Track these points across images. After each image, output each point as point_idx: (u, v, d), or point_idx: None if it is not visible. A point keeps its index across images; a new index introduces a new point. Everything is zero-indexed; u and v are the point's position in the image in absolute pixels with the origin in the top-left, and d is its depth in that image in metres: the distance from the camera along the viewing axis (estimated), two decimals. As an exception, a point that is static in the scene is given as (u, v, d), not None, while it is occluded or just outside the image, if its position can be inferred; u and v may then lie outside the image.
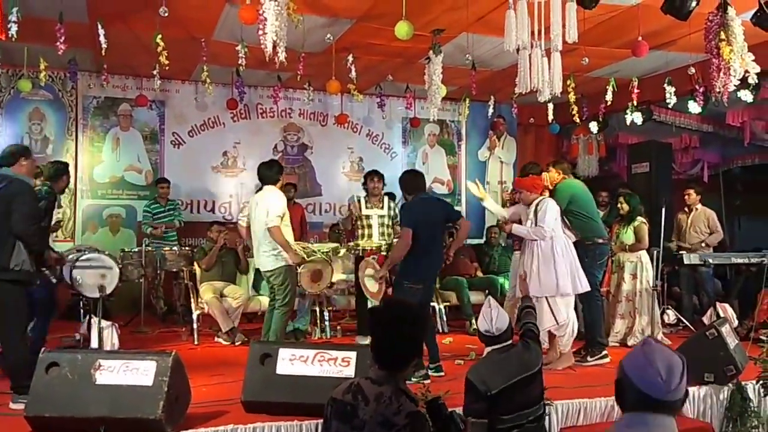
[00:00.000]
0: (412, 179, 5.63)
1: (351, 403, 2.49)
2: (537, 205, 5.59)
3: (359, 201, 6.85)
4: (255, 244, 5.91)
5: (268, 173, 5.93)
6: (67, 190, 8.03)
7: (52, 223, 7.15)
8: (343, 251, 7.04)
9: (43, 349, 4.10)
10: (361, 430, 2.45)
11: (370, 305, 6.33)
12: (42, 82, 7.72)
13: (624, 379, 1.98)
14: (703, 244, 7.79)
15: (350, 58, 7.49)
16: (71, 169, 8.64)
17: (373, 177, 6.84)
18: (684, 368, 1.93)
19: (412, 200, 5.48)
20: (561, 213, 5.74)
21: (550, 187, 5.93)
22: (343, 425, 2.49)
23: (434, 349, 5.33)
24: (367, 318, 2.81)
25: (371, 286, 5.75)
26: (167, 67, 6.59)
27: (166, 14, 5.77)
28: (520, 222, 5.85)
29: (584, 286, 5.61)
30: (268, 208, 5.67)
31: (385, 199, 6.90)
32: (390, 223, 6.83)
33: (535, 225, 5.54)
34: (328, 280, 6.37)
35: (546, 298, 5.47)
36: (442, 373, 5.21)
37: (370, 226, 6.73)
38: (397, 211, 6.93)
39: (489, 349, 3.54)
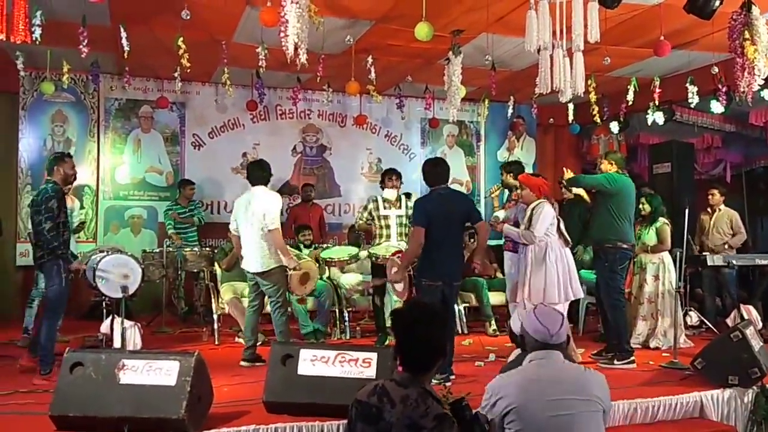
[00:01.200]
0: (431, 168, 5.40)
1: (376, 405, 2.48)
2: (533, 208, 5.50)
3: (376, 201, 6.83)
4: (246, 247, 5.79)
5: (259, 173, 5.85)
6: (88, 190, 8.16)
7: (76, 223, 7.27)
8: (363, 255, 7.02)
9: (67, 348, 4.15)
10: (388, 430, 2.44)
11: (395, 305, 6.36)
12: (65, 85, 7.82)
13: (526, 335, 2.99)
14: (726, 246, 7.72)
15: (369, 59, 7.50)
16: (93, 170, 8.91)
17: (391, 175, 6.80)
18: (562, 321, 2.97)
19: (425, 195, 5.37)
20: (597, 205, 5.74)
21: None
22: (369, 427, 2.48)
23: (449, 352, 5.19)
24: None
25: (397, 286, 5.70)
26: (188, 70, 6.64)
27: (188, 17, 5.81)
28: (517, 224, 5.72)
29: (576, 294, 5.55)
30: (266, 209, 5.61)
31: (402, 198, 6.86)
32: (408, 223, 6.80)
33: (527, 228, 5.46)
34: (314, 282, 6.40)
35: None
36: (453, 376, 5.12)
37: (388, 227, 6.68)
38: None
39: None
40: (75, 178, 5.81)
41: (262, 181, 5.83)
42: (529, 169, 10.81)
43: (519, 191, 5.79)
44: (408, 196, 7.23)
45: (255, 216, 5.66)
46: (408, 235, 6.60)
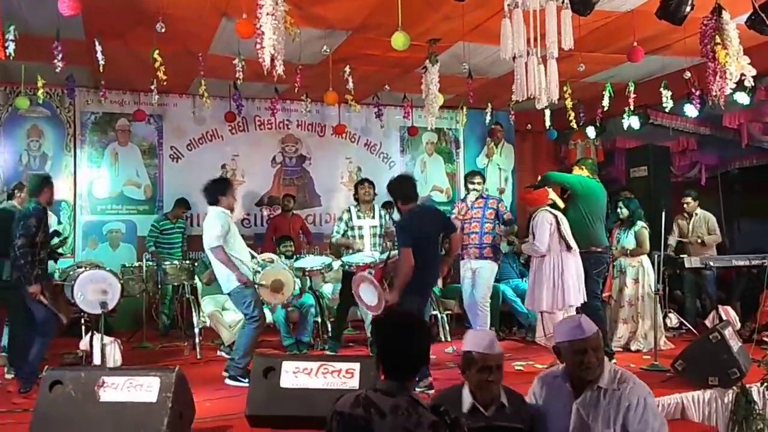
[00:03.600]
0: (397, 187, 5.39)
1: (363, 417, 2.42)
2: (531, 220, 5.82)
3: (350, 212, 6.82)
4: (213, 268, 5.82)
5: (206, 196, 5.77)
6: (66, 206, 8.10)
7: (58, 239, 7.20)
8: (336, 266, 7.01)
9: (46, 367, 4.10)
10: None
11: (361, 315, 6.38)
12: (40, 99, 7.73)
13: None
14: (700, 243, 7.85)
15: (347, 69, 7.51)
16: (70, 185, 8.81)
17: (363, 183, 6.84)
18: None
19: (406, 216, 5.33)
20: (569, 211, 5.89)
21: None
22: None
23: None
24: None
25: (369, 300, 5.54)
26: (165, 82, 6.61)
27: (163, 30, 5.78)
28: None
29: (569, 301, 5.68)
30: (209, 229, 5.58)
31: (376, 207, 6.88)
32: (381, 233, 6.82)
33: (533, 239, 5.77)
34: (291, 288, 6.22)
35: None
36: (430, 378, 5.19)
37: (362, 237, 6.70)
38: (388, 220, 6.92)
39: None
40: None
41: (212, 202, 5.72)
42: (508, 176, 10.95)
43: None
44: (389, 205, 7.23)
45: (204, 237, 5.65)
46: (382, 245, 6.73)
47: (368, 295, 5.51)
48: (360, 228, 6.72)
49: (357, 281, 5.63)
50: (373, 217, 6.78)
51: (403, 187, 5.39)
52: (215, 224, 5.56)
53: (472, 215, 6.51)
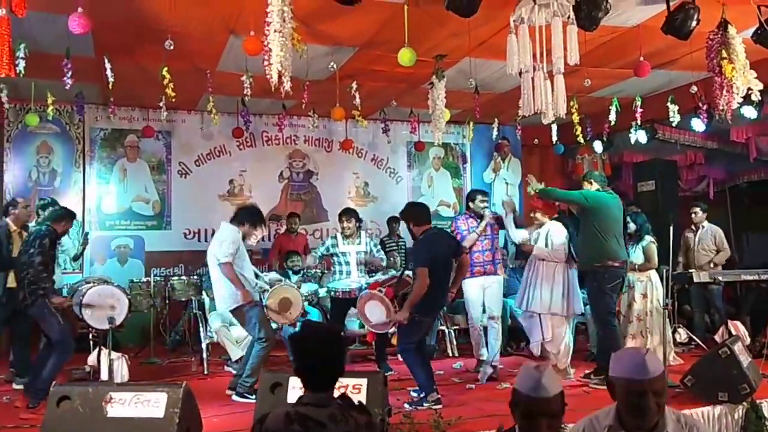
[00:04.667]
0: (417, 210, 5.69)
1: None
2: (540, 227, 6.19)
3: (335, 238, 6.81)
4: (213, 286, 5.75)
5: (236, 213, 5.78)
6: (75, 222, 8.11)
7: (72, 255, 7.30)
8: (322, 293, 6.99)
9: (53, 382, 4.11)
10: None
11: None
12: (49, 116, 7.78)
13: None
14: (711, 264, 7.76)
15: (354, 84, 7.55)
16: (78, 201, 8.85)
17: (341, 217, 6.81)
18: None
19: (423, 237, 5.43)
20: (582, 227, 6.05)
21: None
22: None
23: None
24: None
25: (376, 318, 5.54)
26: (173, 99, 6.65)
27: (172, 47, 5.83)
28: None
29: (577, 310, 6.22)
30: (221, 243, 5.52)
31: (362, 234, 6.88)
32: (367, 258, 6.81)
33: (545, 245, 6.14)
34: (299, 307, 6.19)
35: (539, 315, 6.14)
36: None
37: (347, 263, 6.69)
38: (372, 246, 6.91)
39: None
40: None
41: (235, 222, 5.72)
42: (514, 190, 10.93)
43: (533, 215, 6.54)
44: (395, 220, 7.21)
45: (212, 251, 5.61)
46: (367, 270, 6.80)
47: (375, 313, 5.53)
48: (345, 254, 6.71)
49: (364, 299, 5.64)
50: (359, 243, 6.78)
51: (415, 210, 5.69)
52: (228, 241, 5.53)
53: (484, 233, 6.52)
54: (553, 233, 6.21)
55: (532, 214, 6.64)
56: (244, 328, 5.73)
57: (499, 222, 6.54)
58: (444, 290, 5.48)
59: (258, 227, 5.80)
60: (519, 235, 6.43)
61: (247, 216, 5.75)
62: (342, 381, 4.06)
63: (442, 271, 5.34)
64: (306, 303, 6.64)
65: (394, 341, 6.25)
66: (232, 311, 5.65)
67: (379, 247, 7.08)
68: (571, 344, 6.27)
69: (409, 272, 5.68)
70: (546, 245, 6.17)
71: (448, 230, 6.52)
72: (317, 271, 8.14)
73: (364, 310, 5.63)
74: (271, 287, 6.04)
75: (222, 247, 5.50)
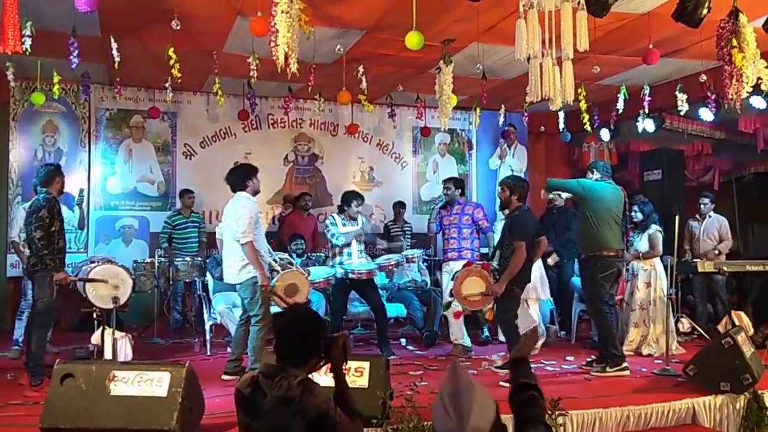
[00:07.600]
0: (527, 189, 6.00)
1: (251, 397, 2.71)
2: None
3: (335, 219, 6.82)
4: (224, 254, 5.72)
5: (232, 180, 5.73)
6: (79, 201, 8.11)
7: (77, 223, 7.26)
8: (340, 272, 6.98)
9: (57, 360, 4.13)
10: (264, 417, 2.65)
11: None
12: (55, 95, 7.74)
13: None
14: (716, 252, 7.77)
15: (360, 68, 7.50)
16: (84, 180, 8.86)
17: (352, 201, 6.82)
18: None
19: (523, 212, 5.80)
20: (578, 216, 6.17)
21: None
22: (245, 416, 2.73)
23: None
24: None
25: (471, 292, 5.81)
26: (179, 80, 6.63)
27: (178, 27, 5.80)
28: None
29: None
30: (238, 219, 5.44)
31: (359, 216, 6.92)
32: (366, 240, 7.02)
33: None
34: (304, 296, 6.01)
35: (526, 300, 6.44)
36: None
37: (349, 245, 6.72)
38: (365, 227, 6.98)
39: None
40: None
41: (238, 187, 5.68)
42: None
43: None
44: (402, 205, 7.20)
45: (230, 225, 5.54)
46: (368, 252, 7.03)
47: (472, 288, 5.81)
48: (347, 234, 6.74)
49: (461, 277, 5.88)
50: (356, 224, 6.84)
51: (523, 185, 5.99)
52: (244, 213, 5.43)
53: (450, 221, 6.89)
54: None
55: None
56: (243, 302, 5.68)
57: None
58: (531, 264, 5.89)
59: (256, 174, 5.81)
60: None
61: (244, 174, 5.77)
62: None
63: (531, 247, 5.73)
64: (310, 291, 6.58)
65: (488, 316, 6.51)
66: (237, 284, 5.59)
67: (372, 224, 7.14)
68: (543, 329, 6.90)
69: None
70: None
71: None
72: (320, 254, 8.14)
73: (460, 289, 5.84)
74: (282, 269, 6.01)
75: (239, 223, 5.41)
